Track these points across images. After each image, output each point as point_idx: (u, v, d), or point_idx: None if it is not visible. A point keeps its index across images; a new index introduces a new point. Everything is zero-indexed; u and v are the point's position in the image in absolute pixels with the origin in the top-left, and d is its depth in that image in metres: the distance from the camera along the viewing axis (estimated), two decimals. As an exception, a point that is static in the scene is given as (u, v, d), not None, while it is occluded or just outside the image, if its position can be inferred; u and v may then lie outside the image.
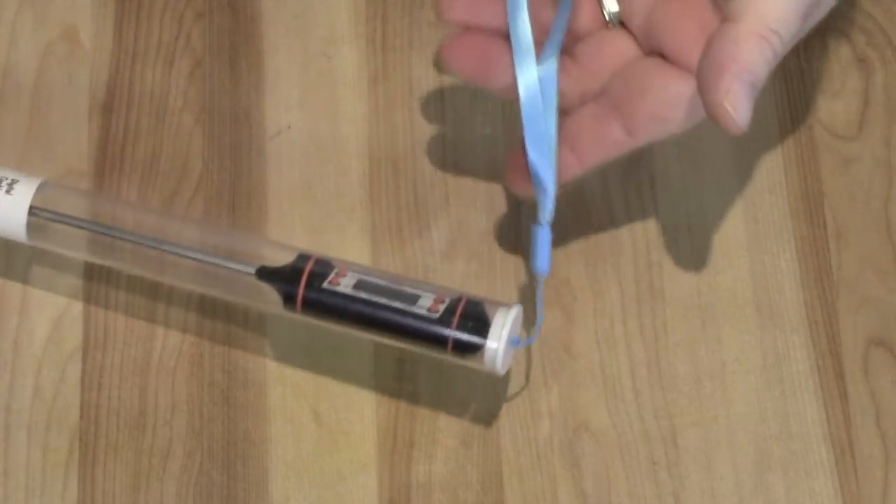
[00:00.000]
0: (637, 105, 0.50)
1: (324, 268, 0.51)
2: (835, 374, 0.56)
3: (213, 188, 0.59)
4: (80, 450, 0.55)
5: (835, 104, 0.60)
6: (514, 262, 0.57)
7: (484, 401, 0.55)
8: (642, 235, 0.57)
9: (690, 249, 0.57)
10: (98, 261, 0.54)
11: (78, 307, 0.57)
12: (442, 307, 0.50)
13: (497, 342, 0.49)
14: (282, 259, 0.51)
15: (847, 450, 0.54)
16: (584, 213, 0.58)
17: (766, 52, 0.45)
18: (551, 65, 0.51)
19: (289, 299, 0.51)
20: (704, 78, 0.46)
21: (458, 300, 0.50)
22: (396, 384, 0.56)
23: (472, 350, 0.50)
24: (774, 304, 0.56)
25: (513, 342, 0.50)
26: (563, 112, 0.52)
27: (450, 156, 0.59)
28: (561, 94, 0.51)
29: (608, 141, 0.51)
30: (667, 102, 0.49)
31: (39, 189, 0.53)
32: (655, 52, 0.51)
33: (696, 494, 0.54)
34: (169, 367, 0.56)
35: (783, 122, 0.59)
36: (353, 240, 0.58)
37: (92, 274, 0.57)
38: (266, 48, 0.61)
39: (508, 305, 0.50)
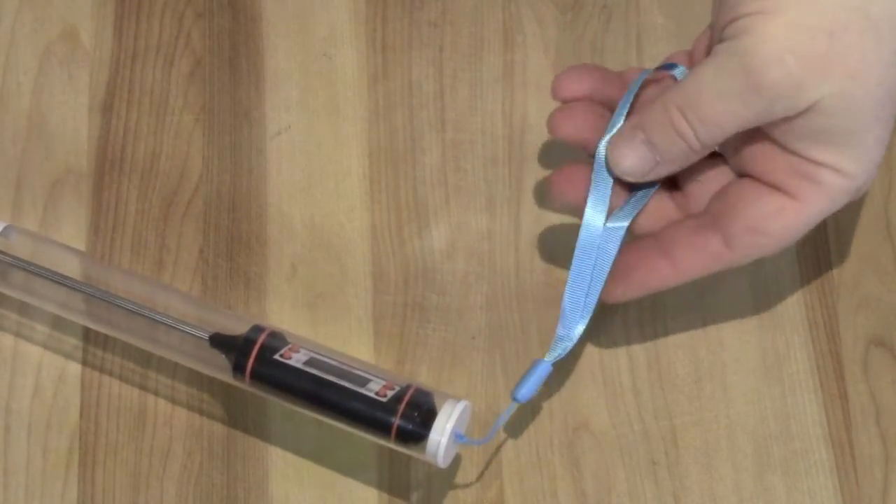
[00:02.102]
0: (732, 217, 0.51)
1: (277, 341, 0.51)
2: (835, 374, 0.56)
3: (213, 188, 0.59)
4: (80, 450, 0.55)
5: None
6: (513, 262, 0.57)
7: (484, 400, 0.55)
8: (642, 235, 0.58)
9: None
10: (54, 311, 0.54)
11: (78, 307, 0.57)
12: (391, 393, 0.50)
13: (441, 435, 0.49)
14: (236, 328, 0.52)
15: (847, 450, 0.54)
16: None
17: None
18: (619, 230, 0.52)
19: (238, 369, 0.51)
20: None
21: (407, 388, 0.50)
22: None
23: (415, 439, 0.49)
24: (774, 304, 0.56)
25: (457, 437, 0.50)
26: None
27: (450, 156, 0.59)
28: (665, 218, 0.53)
29: (705, 251, 0.51)
30: (760, 215, 0.50)
31: (3, 233, 0.53)
32: (746, 175, 0.52)
33: (696, 494, 0.54)
34: (169, 367, 0.56)
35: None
36: (353, 240, 0.58)
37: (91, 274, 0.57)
38: (266, 48, 0.61)
39: (457, 399, 0.50)
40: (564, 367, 0.56)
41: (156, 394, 0.55)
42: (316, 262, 0.58)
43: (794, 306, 0.57)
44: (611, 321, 0.56)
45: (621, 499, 0.54)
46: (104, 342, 0.56)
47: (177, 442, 0.55)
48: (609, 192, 0.52)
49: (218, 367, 0.52)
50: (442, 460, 0.49)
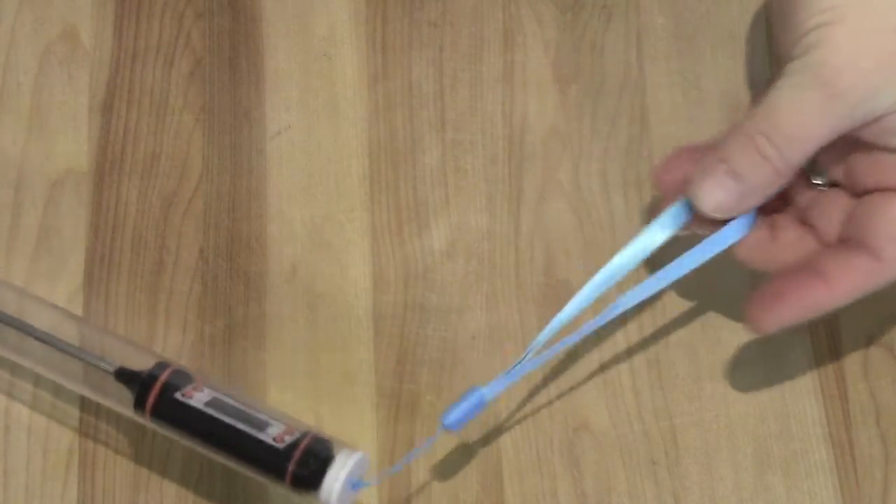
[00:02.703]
0: (872, 233, 0.50)
1: (181, 379, 0.51)
2: (835, 374, 0.56)
3: (213, 188, 0.59)
4: (80, 450, 0.55)
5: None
6: (514, 262, 0.57)
7: (484, 401, 0.55)
8: (642, 235, 0.58)
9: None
10: None
11: (78, 306, 0.57)
12: (289, 439, 0.49)
13: (334, 482, 0.48)
14: (141, 364, 0.51)
15: (847, 450, 0.54)
16: (584, 212, 0.58)
17: None
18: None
19: (139, 404, 0.50)
20: None
21: (305, 435, 0.50)
22: (396, 384, 0.56)
23: (308, 486, 0.49)
24: (774, 304, 0.57)
25: (353, 485, 0.49)
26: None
27: (450, 156, 0.59)
28: (805, 250, 0.52)
29: (858, 271, 0.50)
30: None
31: None
32: (866, 192, 0.51)
33: (696, 494, 0.54)
34: (169, 368, 0.56)
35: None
36: (353, 240, 0.58)
37: (92, 273, 0.57)
38: (266, 48, 0.61)
39: (353, 449, 0.50)
40: (564, 368, 0.56)
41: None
42: (316, 262, 0.58)
43: (794, 306, 0.57)
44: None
45: (621, 499, 0.54)
46: (104, 339, 0.56)
47: (177, 443, 0.55)
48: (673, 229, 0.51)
49: (122, 402, 0.51)
50: None
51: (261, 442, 0.49)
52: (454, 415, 0.50)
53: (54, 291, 0.57)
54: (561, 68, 0.61)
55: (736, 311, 0.56)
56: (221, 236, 0.58)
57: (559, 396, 0.55)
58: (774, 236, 0.52)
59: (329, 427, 0.55)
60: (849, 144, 0.50)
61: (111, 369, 0.51)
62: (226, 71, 0.61)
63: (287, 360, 0.56)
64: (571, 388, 0.55)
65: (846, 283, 0.50)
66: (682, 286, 0.57)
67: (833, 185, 0.53)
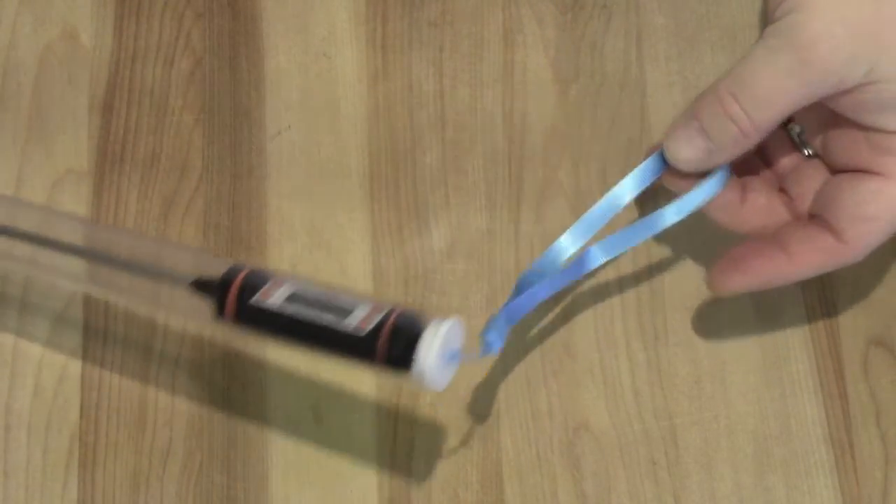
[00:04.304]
0: (835, 211, 0.50)
1: (258, 279, 0.48)
2: (835, 374, 0.56)
3: (213, 188, 0.59)
4: (80, 450, 0.55)
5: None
6: (513, 262, 0.57)
7: (484, 401, 0.55)
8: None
9: (690, 249, 0.57)
10: (32, 273, 0.52)
11: (78, 307, 0.57)
12: (374, 321, 0.47)
13: (426, 357, 0.46)
14: (215, 271, 0.49)
15: (847, 450, 0.54)
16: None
17: None
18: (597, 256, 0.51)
19: (219, 311, 0.48)
20: None
21: (391, 313, 0.47)
22: (396, 384, 0.56)
23: (401, 365, 0.46)
24: (774, 304, 0.57)
25: (450, 357, 0.47)
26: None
27: (450, 156, 0.59)
28: (774, 219, 0.52)
29: (820, 248, 0.50)
30: (859, 201, 0.50)
31: None
32: (839, 168, 0.51)
33: (696, 494, 0.54)
34: (169, 367, 0.56)
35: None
36: (353, 240, 0.58)
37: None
38: (266, 48, 0.61)
39: (441, 318, 0.47)
40: (565, 367, 0.56)
41: (156, 394, 0.55)
42: (316, 262, 0.58)
43: (794, 306, 0.57)
44: (610, 321, 0.56)
45: (621, 499, 0.54)
46: (104, 339, 0.56)
47: (177, 442, 0.55)
48: (649, 179, 0.52)
49: (203, 315, 0.49)
50: (434, 383, 0.46)
51: (344, 332, 0.47)
52: (494, 330, 0.49)
53: (54, 290, 0.57)
54: (561, 68, 0.61)
55: (737, 311, 0.57)
56: (221, 236, 0.58)
57: (559, 396, 0.55)
58: (744, 198, 0.52)
59: (329, 426, 0.55)
60: (828, 117, 0.50)
61: (187, 281, 0.49)
62: (226, 71, 0.61)
63: (287, 360, 0.56)
64: (571, 388, 0.55)
65: (807, 259, 0.51)
66: (683, 285, 0.57)
67: (817, 155, 0.53)
